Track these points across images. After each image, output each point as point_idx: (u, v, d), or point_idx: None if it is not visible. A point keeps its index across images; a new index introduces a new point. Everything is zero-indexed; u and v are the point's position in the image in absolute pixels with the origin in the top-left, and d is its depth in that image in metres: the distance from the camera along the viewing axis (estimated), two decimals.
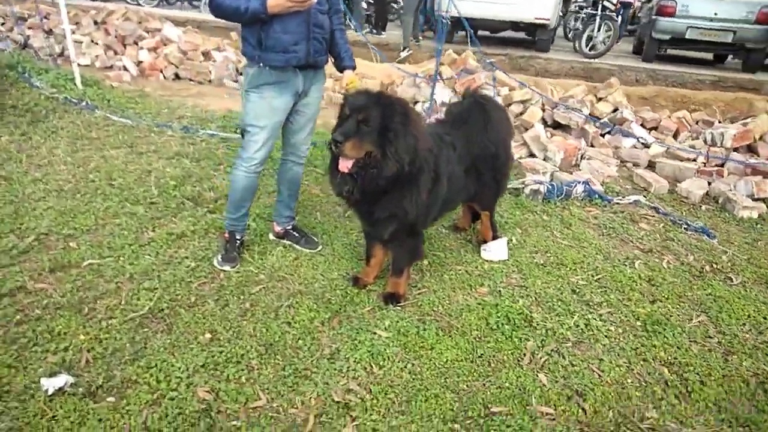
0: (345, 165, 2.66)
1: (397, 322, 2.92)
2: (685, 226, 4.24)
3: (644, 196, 4.75)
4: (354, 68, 3.35)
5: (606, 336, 2.91)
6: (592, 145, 5.85)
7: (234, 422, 2.23)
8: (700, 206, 4.69)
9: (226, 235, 3.48)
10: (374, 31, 12.41)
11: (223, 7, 2.79)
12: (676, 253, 3.87)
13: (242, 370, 2.53)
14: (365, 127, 2.61)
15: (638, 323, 3.03)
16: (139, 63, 8.44)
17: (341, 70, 3.35)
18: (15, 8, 9.06)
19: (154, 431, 2.15)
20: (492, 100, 3.46)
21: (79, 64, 7.76)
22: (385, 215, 2.86)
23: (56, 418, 2.16)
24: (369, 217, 2.95)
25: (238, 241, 3.52)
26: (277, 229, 3.70)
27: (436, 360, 2.67)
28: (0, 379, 2.34)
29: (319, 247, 3.64)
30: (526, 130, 5.87)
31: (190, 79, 8.39)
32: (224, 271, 3.32)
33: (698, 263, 3.72)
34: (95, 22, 9.14)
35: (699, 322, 3.07)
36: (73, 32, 8.99)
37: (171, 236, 3.68)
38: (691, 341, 2.90)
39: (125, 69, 8.28)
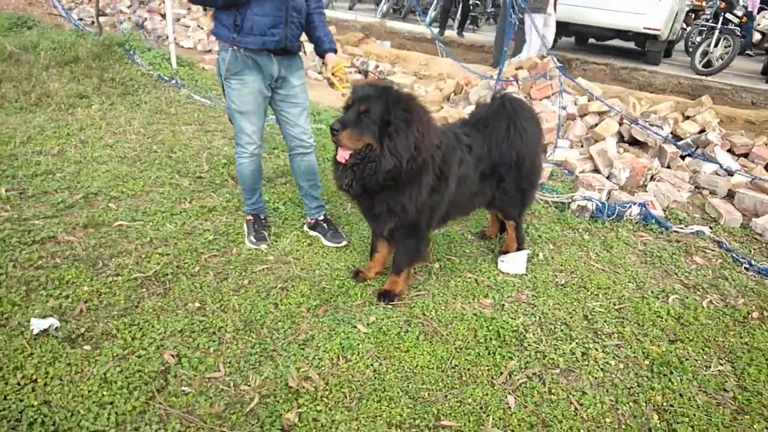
0: (342, 155, 2.65)
1: (383, 320, 2.86)
2: (747, 266, 3.74)
3: (711, 228, 4.26)
4: (336, 51, 3.31)
5: (602, 369, 2.65)
6: (668, 167, 5.34)
7: (185, 388, 2.31)
8: None
9: (251, 217, 3.60)
10: (459, 31, 12.24)
11: None
12: (725, 293, 3.42)
13: (213, 341, 2.61)
14: (366, 118, 2.58)
15: (646, 362, 2.73)
16: None
17: (322, 54, 3.31)
18: None
19: (111, 383, 2.27)
20: (522, 104, 3.26)
21: (181, 47, 8.42)
22: (384, 210, 2.81)
23: (33, 355, 2.36)
24: (369, 211, 2.91)
25: (264, 221, 3.64)
26: (309, 219, 3.75)
27: (406, 363, 2.58)
28: (3, 314, 2.60)
29: (344, 243, 3.62)
30: (596, 143, 5.49)
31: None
32: (260, 249, 3.44)
33: (746, 308, 3.27)
34: (204, 9, 9.82)
35: (719, 371, 2.70)
36: (184, 17, 9.76)
37: (203, 209, 3.88)
38: (700, 390, 2.56)
39: None
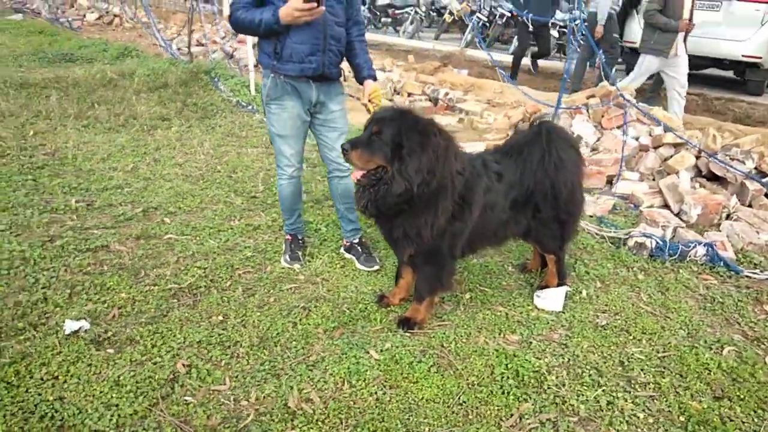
0: (355, 174, 2.67)
1: (398, 347, 2.80)
2: None
3: None
4: (375, 78, 3.31)
5: (627, 421, 2.41)
6: (750, 205, 4.85)
7: (188, 397, 2.38)
8: None
9: (289, 237, 3.69)
10: (531, 67, 11.58)
11: (240, 21, 3.00)
12: None
13: (226, 354, 2.68)
14: (378, 140, 2.58)
15: (681, 418, 2.45)
16: None
17: (361, 81, 3.34)
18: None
19: (122, 386, 2.39)
20: (560, 132, 3.11)
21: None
22: (401, 235, 2.78)
23: (60, 354, 2.54)
24: (389, 235, 2.89)
25: (301, 242, 3.72)
26: (345, 242, 3.79)
27: (411, 395, 2.49)
28: (45, 314, 2.84)
29: (376, 267, 3.60)
30: (669, 176, 5.11)
31: (350, 95, 8.99)
32: (293, 269, 3.53)
33: None
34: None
35: None
36: None
37: (249, 227, 4.03)
38: None
39: None
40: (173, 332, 2.80)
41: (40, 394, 2.30)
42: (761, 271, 3.83)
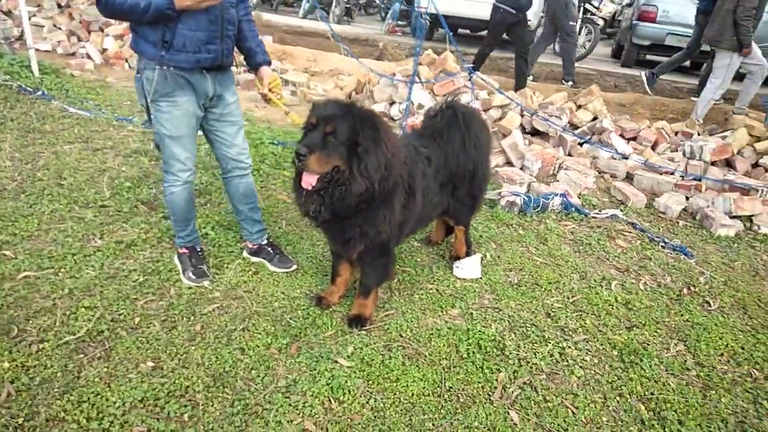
0: (308, 181, 2.43)
1: (361, 349, 2.71)
2: (662, 244, 4.12)
3: (621, 210, 4.63)
4: (269, 63, 3.07)
5: (581, 367, 2.75)
6: (569, 155, 5.72)
7: None
8: (678, 222, 4.59)
9: (185, 250, 3.21)
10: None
11: (116, 4, 2.42)
12: (654, 273, 3.73)
13: (185, 406, 2.28)
14: (333, 140, 2.38)
15: (614, 352, 2.88)
16: (103, 51, 8.01)
17: (256, 67, 3.04)
18: None
19: None
20: (473, 114, 3.25)
21: (38, 50, 7.33)
22: (356, 235, 2.63)
23: None
24: (339, 237, 2.72)
25: (200, 253, 3.28)
26: (250, 245, 3.43)
27: (401, 394, 2.46)
28: None
29: (293, 267, 3.35)
30: (504, 136, 5.70)
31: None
32: (202, 287, 3.08)
33: (676, 285, 3.60)
34: (59, 6, 8.65)
35: (677, 352, 2.93)
36: (35, 15, 8.53)
37: (120, 245, 3.39)
38: (668, 374, 2.76)
39: (89, 57, 7.84)
40: (103, 396, 2.27)
41: None
42: (600, 211, 4.59)
